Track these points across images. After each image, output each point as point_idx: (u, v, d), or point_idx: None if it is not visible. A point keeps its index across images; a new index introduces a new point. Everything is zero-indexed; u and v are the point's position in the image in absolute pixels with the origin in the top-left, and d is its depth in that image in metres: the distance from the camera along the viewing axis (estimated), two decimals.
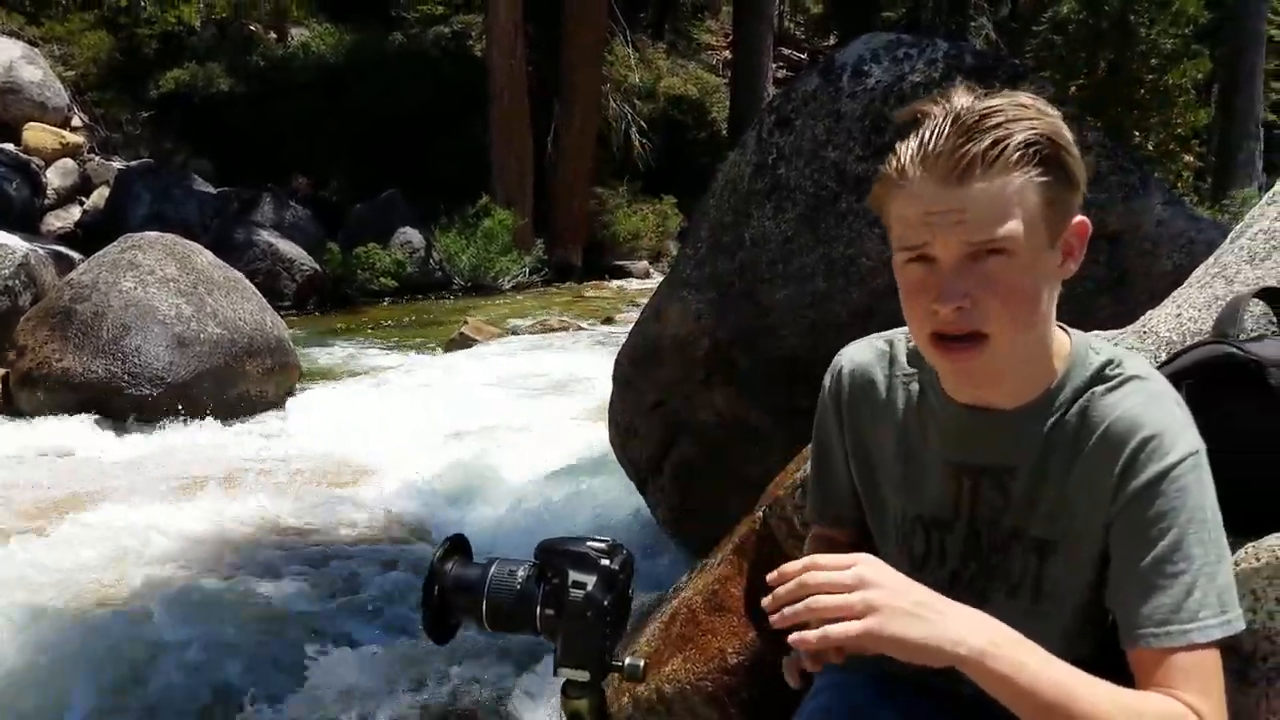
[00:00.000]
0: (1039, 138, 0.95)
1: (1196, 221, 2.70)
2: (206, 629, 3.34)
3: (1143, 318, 1.68)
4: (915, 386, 1.12)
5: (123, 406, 5.86)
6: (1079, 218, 0.99)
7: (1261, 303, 1.37)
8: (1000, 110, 0.95)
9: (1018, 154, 0.94)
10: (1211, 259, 1.80)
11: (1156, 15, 15.35)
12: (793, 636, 0.92)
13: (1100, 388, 1.02)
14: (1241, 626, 0.96)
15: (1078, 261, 1.01)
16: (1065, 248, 0.99)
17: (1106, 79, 15.59)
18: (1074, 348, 1.05)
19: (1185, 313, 1.61)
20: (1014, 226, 0.94)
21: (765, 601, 0.94)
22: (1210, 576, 0.95)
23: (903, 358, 1.15)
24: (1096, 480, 1.00)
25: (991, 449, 1.06)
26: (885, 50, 2.83)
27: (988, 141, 0.94)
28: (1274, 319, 1.34)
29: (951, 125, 0.95)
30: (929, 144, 0.95)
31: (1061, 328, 1.06)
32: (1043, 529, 1.05)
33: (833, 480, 1.23)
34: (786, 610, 0.92)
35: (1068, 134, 0.97)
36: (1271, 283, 1.48)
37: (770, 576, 0.94)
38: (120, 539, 4.15)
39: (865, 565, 0.91)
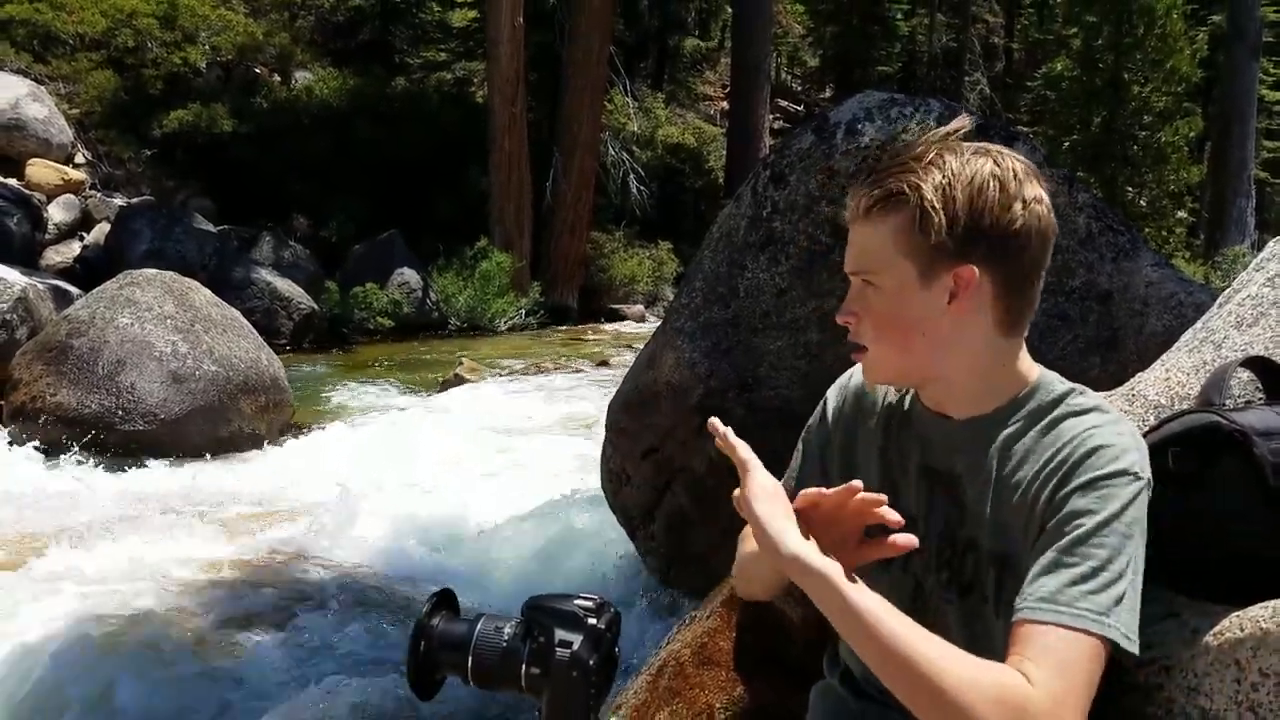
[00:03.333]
0: (901, 189, 1.07)
1: (1186, 284, 2.73)
2: (184, 670, 3.30)
3: (1131, 380, 1.70)
4: (895, 392, 1.24)
5: (116, 442, 5.85)
6: (966, 265, 1.07)
7: (1248, 370, 1.38)
8: (897, 158, 1.10)
9: (879, 205, 1.09)
10: (1200, 323, 1.82)
11: (1149, 74, 15.64)
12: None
13: (1063, 410, 1.09)
14: (1125, 646, 0.97)
15: (970, 301, 1.09)
16: (952, 290, 1.09)
17: (1100, 135, 15.83)
18: (1040, 376, 1.14)
19: (1174, 376, 1.62)
20: (873, 264, 1.11)
21: None
22: (1106, 581, 0.97)
23: None
24: (1045, 491, 1.05)
25: (945, 455, 1.15)
26: (879, 109, 2.88)
27: (868, 190, 1.10)
28: (1260, 387, 1.35)
29: (870, 168, 1.13)
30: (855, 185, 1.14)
31: (1038, 366, 1.16)
32: (1001, 543, 1.09)
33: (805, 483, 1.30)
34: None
35: (961, 187, 1.06)
36: (1259, 349, 1.50)
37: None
38: (104, 574, 4.11)
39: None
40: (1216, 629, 1.05)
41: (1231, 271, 12.22)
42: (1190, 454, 1.15)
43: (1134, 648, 0.97)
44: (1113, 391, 1.69)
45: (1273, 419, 1.19)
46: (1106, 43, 15.82)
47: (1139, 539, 1.01)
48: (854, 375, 1.29)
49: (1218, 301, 1.88)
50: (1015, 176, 1.07)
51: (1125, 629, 0.97)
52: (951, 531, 1.13)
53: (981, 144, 1.09)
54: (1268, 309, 1.65)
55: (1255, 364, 1.35)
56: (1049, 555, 1.00)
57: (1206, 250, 15.97)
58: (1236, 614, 1.07)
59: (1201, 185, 17.35)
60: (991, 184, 1.06)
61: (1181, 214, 17.01)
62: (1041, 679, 0.92)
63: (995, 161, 1.07)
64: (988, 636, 1.07)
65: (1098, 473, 1.02)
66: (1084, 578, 0.97)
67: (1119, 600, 0.97)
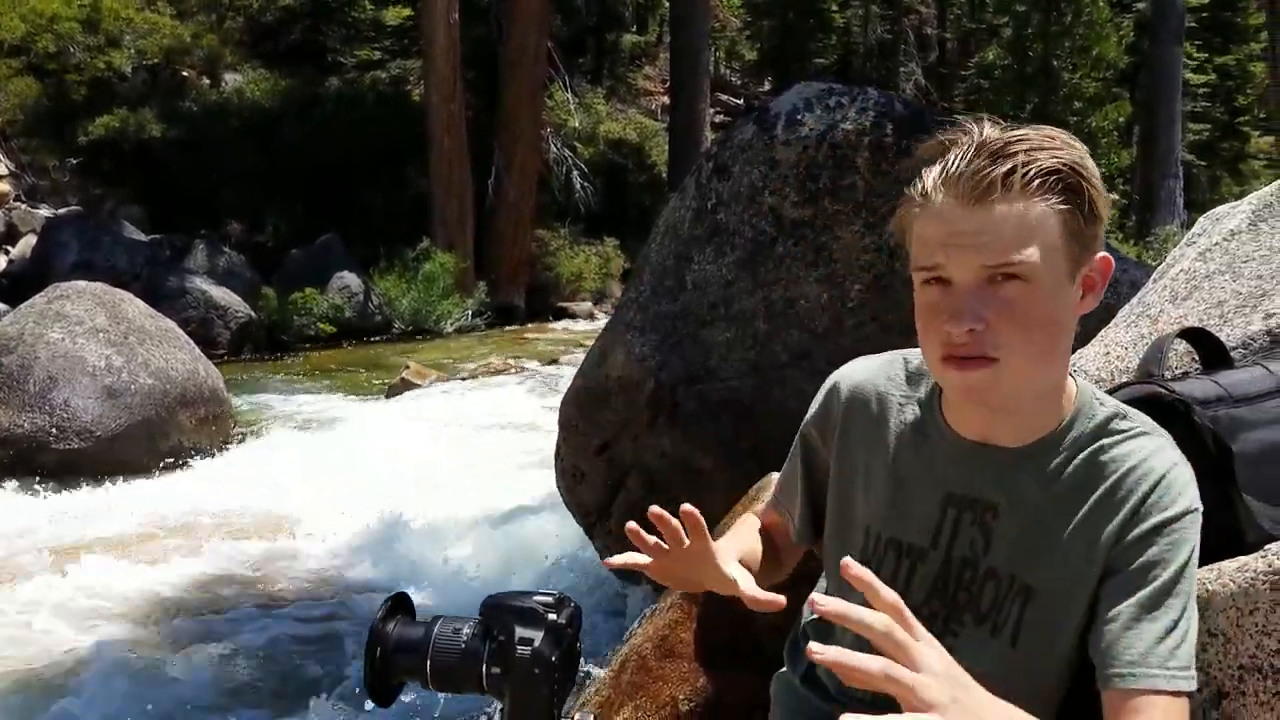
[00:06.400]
0: (1062, 166, 0.94)
1: (1122, 261, 2.80)
2: (135, 691, 3.21)
3: (1072, 356, 1.73)
4: (914, 409, 1.11)
5: (50, 461, 5.67)
6: (1102, 253, 0.99)
7: (1184, 341, 1.42)
8: (1025, 139, 0.96)
9: (1039, 180, 0.94)
10: (1136, 299, 1.86)
11: (1078, 60, 16.03)
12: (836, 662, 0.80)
13: (1112, 439, 1.03)
14: (1195, 687, 0.97)
15: (1098, 298, 0.99)
16: (1086, 282, 0.98)
17: (1033, 122, 16.15)
18: (1080, 396, 1.05)
19: (1112, 351, 1.66)
20: (1031, 252, 0.94)
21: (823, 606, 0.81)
22: (1183, 632, 0.97)
23: (903, 377, 1.14)
24: (1101, 526, 1.01)
25: (982, 484, 1.05)
26: (818, 99, 2.90)
27: (1009, 165, 0.94)
28: (1196, 357, 1.39)
29: (976, 150, 0.95)
30: (952, 168, 0.96)
31: (1070, 375, 1.06)
32: (1031, 575, 1.03)
33: (802, 486, 1.23)
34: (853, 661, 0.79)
35: (1092, 167, 0.97)
36: (1193, 322, 1.53)
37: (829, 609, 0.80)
38: (47, 598, 3.99)
39: (933, 654, 0.82)
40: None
41: (1163, 251, 12.58)
42: None
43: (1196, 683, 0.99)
44: (1093, 388, 1.72)
45: (1210, 388, 1.21)
46: (1036, 31, 16.18)
47: (1196, 566, 1.00)
48: (851, 378, 1.17)
49: (1152, 277, 1.93)
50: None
51: (1194, 670, 0.98)
52: (975, 559, 1.06)
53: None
54: (1200, 282, 1.69)
55: (1191, 335, 1.38)
56: (1129, 609, 0.97)
57: (1139, 231, 16.42)
58: None
59: (1132, 168, 17.84)
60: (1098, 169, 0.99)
61: (1113, 196, 17.41)
62: None
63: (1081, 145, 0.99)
64: (996, 664, 1.01)
65: (1166, 514, 0.98)
66: (1168, 632, 0.96)
67: (1193, 645, 0.98)
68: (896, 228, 1.03)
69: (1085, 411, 1.04)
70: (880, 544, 1.12)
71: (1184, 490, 1.00)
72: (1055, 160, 0.94)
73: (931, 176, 0.97)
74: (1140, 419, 1.06)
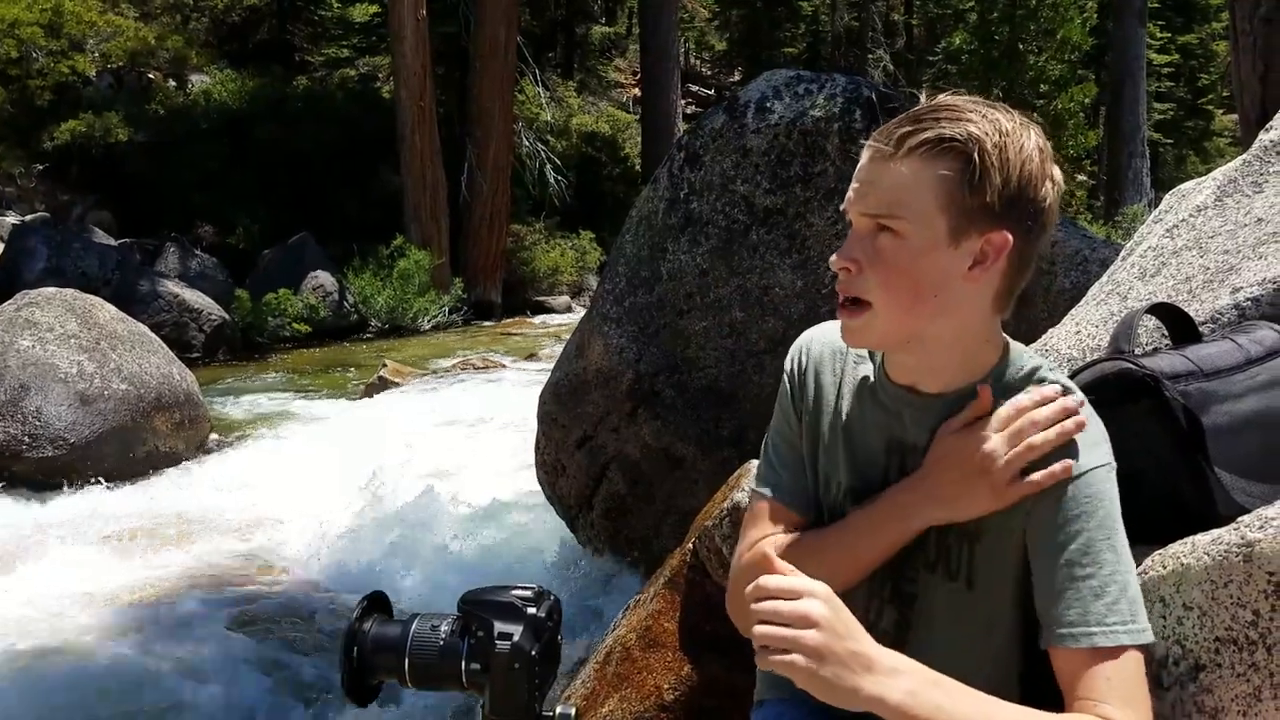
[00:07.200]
0: (958, 135, 0.98)
1: (1090, 241, 2.82)
2: (112, 692, 3.18)
3: (1044, 336, 1.74)
4: (866, 365, 1.17)
5: (24, 470, 5.59)
6: (1000, 231, 1.00)
7: (1153, 317, 1.43)
8: (950, 107, 1.01)
9: (927, 146, 0.99)
10: (1105, 277, 1.87)
11: (1043, 43, 16.12)
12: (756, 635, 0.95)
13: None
14: (1150, 639, 1.00)
15: (988, 271, 1.02)
16: (978, 255, 1.01)
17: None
18: (1011, 352, 1.10)
19: (1084, 329, 1.67)
20: (901, 209, 1.00)
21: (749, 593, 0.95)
22: (1121, 585, 1.00)
23: None
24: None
25: (916, 431, 1.10)
26: (787, 87, 2.90)
27: (911, 129, 1.00)
28: (1166, 333, 1.40)
29: (906, 115, 1.02)
30: (885, 124, 1.03)
31: (1006, 336, 1.11)
32: (970, 521, 1.07)
33: (787, 456, 1.24)
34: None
35: (1014, 149, 0.99)
36: (1162, 298, 1.55)
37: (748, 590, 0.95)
38: (24, 607, 3.94)
39: (811, 602, 0.91)
40: (1140, 568, 1.08)
41: (1132, 230, 12.70)
42: (1104, 401, 1.17)
43: (1151, 636, 1.01)
44: (1027, 347, 1.73)
45: (1180, 362, 1.22)
46: (1001, 15, 16.26)
47: (1121, 522, 1.03)
48: (813, 340, 1.22)
49: (1120, 255, 1.94)
50: (1046, 153, 1.03)
51: (1145, 623, 1.00)
52: None
53: (1014, 111, 1.04)
54: (1168, 259, 1.71)
55: (1160, 310, 1.39)
56: (1060, 569, 1.00)
57: (1107, 211, 16.59)
58: (1158, 552, 1.11)
59: (1099, 148, 17.99)
60: (1035, 154, 1.01)
61: (1081, 177, 17.63)
62: (1123, 715, 0.95)
63: (1035, 132, 1.02)
64: (959, 609, 1.08)
65: (1081, 471, 1.02)
66: (1103, 587, 0.99)
67: (1135, 599, 1.00)
68: None
69: (1013, 365, 1.09)
70: (841, 493, 1.17)
71: (1095, 445, 1.04)
72: (954, 130, 0.99)
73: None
74: (1060, 378, 1.10)
